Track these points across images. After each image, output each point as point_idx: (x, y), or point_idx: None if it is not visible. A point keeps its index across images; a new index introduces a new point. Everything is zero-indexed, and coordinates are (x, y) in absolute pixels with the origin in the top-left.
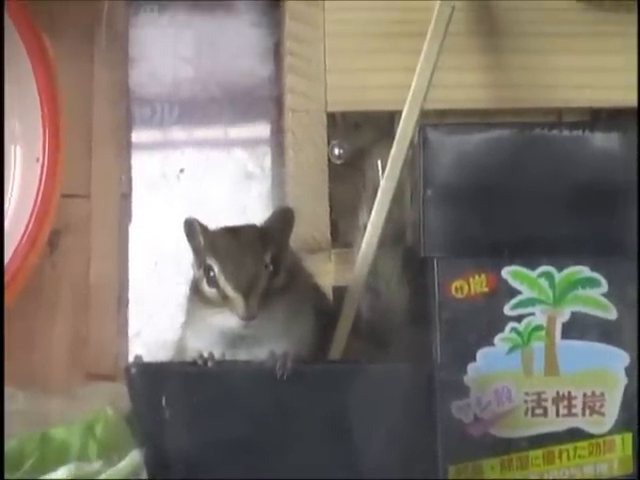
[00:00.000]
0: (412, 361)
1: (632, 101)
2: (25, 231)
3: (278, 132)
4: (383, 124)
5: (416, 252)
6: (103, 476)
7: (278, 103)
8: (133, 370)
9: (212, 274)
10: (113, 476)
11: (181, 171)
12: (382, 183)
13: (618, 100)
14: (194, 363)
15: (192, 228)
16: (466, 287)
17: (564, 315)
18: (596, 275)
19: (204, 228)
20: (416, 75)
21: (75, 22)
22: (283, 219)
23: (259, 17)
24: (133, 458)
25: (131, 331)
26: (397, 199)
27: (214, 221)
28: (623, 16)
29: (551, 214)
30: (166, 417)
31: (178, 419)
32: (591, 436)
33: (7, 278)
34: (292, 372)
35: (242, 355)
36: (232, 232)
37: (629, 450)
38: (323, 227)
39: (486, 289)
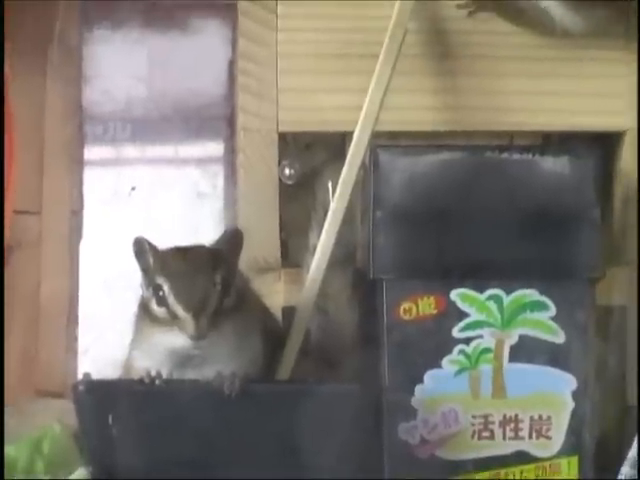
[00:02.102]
0: (360, 382)
1: (582, 125)
2: None
3: (230, 151)
4: (334, 145)
5: (365, 273)
6: None
7: (230, 122)
8: (81, 388)
9: (161, 293)
10: None
11: (133, 189)
12: (332, 204)
13: (569, 124)
14: (141, 382)
15: (141, 247)
16: (414, 309)
17: (512, 338)
18: (545, 299)
19: (153, 247)
20: (368, 97)
21: (29, 38)
22: (233, 240)
23: (212, 36)
24: (79, 475)
25: (80, 348)
26: (347, 220)
27: (166, 240)
28: (575, 42)
29: (501, 237)
30: (113, 435)
31: (125, 437)
32: (537, 459)
33: None
34: (240, 392)
35: (190, 375)
36: (182, 252)
37: (575, 473)
38: (273, 247)
39: (434, 311)
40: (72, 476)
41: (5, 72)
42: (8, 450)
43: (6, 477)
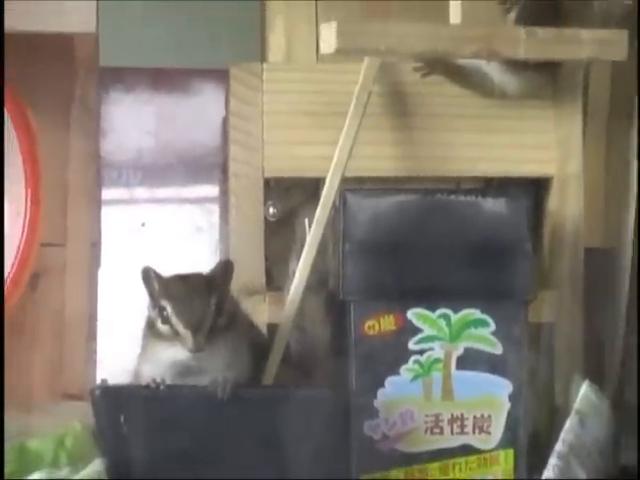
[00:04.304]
0: (331, 387)
1: (517, 172)
2: (9, 274)
3: (224, 193)
4: (310, 188)
5: (336, 296)
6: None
7: (224, 169)
8: (97, 392)
9: (165, 313)
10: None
11: (143, 225)
12: (308, 238)
13: (506, 171)
14: (148, 387)
15: (148, 275)
16: (377, 326)
17: (459, 350)
18: (485, 317)
19: (158, 275)
20: (338, 148)
21: (54, 99)
22: (225, 269)
23: (208, 97)
24: (96, 466)
25: (98, 359)
26: (321, 251)
27: (169, 268)
28: (511, 101)
29: (449, 266)
30: (124, 432)
31: (134, 434)
32: (479, 451)
33: None
34: (231, 395)
35: (189, 382)
36: (182, 279)
37: (511, 464)
38: (259, 274)
39: (394, 327)
40: (89, 467)
41: (33, 128)
42: (37, 444)
43: (34, 467)
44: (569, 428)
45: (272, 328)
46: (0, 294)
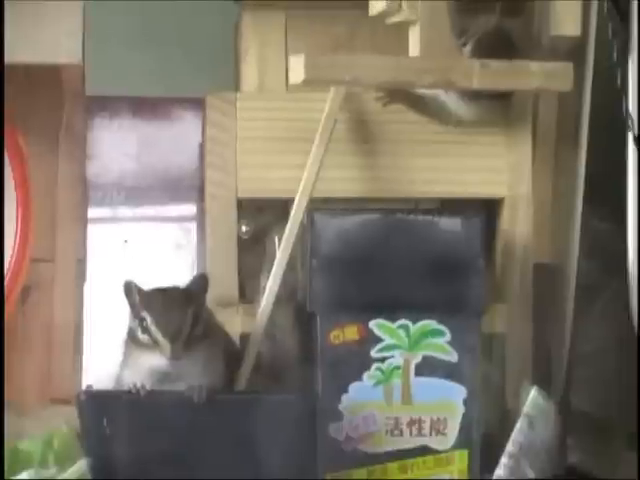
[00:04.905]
0: (299, 392)
1: (471, 193)
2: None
3: (201, 213)
4: (280, 208)
5: (304, 308)
6: (57, 478)
7: (201, 190)
8: (82, 397)
9: (145, 324)
10: (65, 478)
11: (125, 241)
12: (278, 254)
13: (460, 192)
14: (129, 392)
15: (129, 288)
16: (342, 335)
17: (417, 358)
18: (442, 327)
19: (139, 288)
20: (306, 171)
21: (44, 125)
22: (201, 282)
23: (186, 124)
24: (81, 465)
25: (84, 366)
26: (290, 267)
27: (150, 282)
28: (466, 129)
29: (408, 280)
30: (107, 434)
31: (116, 435)
32: (436, 452)
33: None
34: (206, 400)
35: (167, 387)
36: (161, 291)
37: (465, 463)
38: (233, 287)
39: (357, 337)
40: (75, 466)
41: (24, 153)
42: (27, 445)
43: (24, 466)
44: (519, 430)
45: (245, 337)
46: (0, 299)
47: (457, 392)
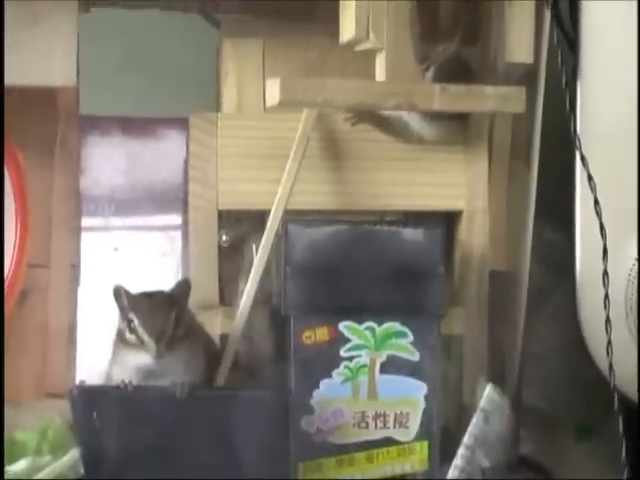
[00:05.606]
0: (274, 388)
1: (432, 206)
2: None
3: (185, 223)
4: (257, 219)
5: (279, 311)
6: (51, 466)
7: (184, 202)
8: (74, 391)
9: (133, 325)
10: (59, 467)
11: (116, 249)
12: (255, 261)
13: (423, 205)
14: (118, 387)
15: (118, 292)
16: (313, 336)
17: (382, 357)
18: (405, 329)
19: (127, 292)
20: (281, 185)
21: (40, 142)
22: (184, 287)
23: (172, 141)
24: (73, 454)
25: (77, 364)
26: (266, 273)
27: (137, 286)
28: (427, 146)
29: (374, 286)
30: (97, 426)
31: (105, 427)
32: (399, 443)
33: None
34: (188, 395)
35: (152, 383)
36: (147, 295)
37: (425, 453)
38: (213, 291)
39: (327, 338)
40: (67, 455)
41: (22, 167)
42: (23, 436)
43: (20, 456)
44: (475, 423)
45: (224, 338)
46: (0, 300)
47: (419, 389)
